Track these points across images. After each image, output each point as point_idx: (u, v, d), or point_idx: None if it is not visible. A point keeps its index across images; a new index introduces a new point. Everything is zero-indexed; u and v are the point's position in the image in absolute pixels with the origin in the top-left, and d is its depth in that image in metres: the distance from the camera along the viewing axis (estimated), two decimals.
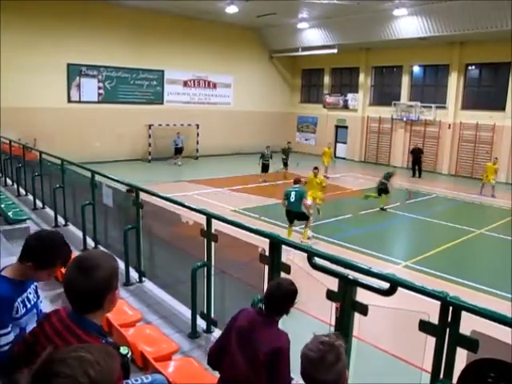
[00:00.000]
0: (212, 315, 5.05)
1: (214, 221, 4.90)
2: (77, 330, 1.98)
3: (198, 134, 26.27)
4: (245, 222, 4.97)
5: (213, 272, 5.01)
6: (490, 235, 13.16)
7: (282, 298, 2.95)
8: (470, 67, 23.99)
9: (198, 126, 26.23)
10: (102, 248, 7.60)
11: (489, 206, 17.51)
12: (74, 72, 22.41)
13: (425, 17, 20.79)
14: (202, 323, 5.12)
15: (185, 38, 25.38)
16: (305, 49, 27.37)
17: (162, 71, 25.48)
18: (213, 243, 4.92)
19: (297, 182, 11.96)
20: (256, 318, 2.96)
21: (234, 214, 13.46)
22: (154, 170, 22.16)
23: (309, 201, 12.18)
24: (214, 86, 27.98)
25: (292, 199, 11.49)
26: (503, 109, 22.27)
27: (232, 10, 21.21)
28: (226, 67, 27.95)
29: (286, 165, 21.30)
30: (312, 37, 26.42)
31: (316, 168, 13.77)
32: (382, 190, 15.67)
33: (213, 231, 4.90)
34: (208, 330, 5.06)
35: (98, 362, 1.38)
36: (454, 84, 23.89)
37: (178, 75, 26.20)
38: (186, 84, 26.71)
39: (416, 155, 23.66)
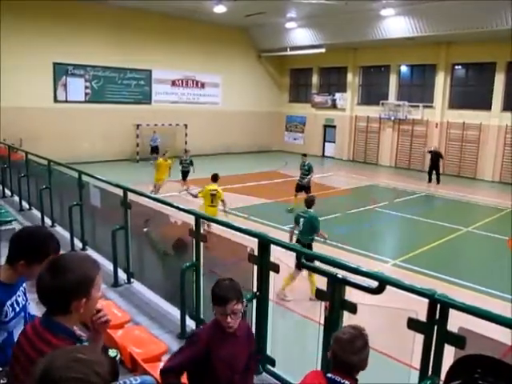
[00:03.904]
0: (201, 315, 5.04)
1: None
2: (46, 335, 1.92)
3: (186, 134, 26.19)
4: (234, 222, 4.97)
5: (202, 272, 5.00)
6: (477, 233, 13.28)
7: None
8: (456, 67, 24.23)
9: (186, 125, 26.14)
10: (89, 249, 7.55)
11: (477, 204, 17.66)
12: (61, 71, 22.21)
13: (412, 17, 20.92)
14: (191, 323, 5.10)
15: (173, 37, 25.25)
16: (293, 48, 27.40)
17: (150, 71, 25.35)
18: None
19: (309, 203, 8.91)
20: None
21: (223, 214, 13.42)
22: (142, 170, 22.02)
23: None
24: (203, 85, 27.91)
25: (301, 227, 8.77)
26: (489, 108, 22.53)
27: (220, 9, 21.14)
28: (215, 67, 27.88)
29: (184, 176, 17.01)
30: (300, 36, 26.46)
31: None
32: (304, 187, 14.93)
33: (201, 231, 4.90)
34: None
35: (99, 360, 1.41)
36: (441, 83, 24.08)
37: (166, 75, 26.09)
38: (174, 83, 26.61)
39: (434, 159, 21.56)
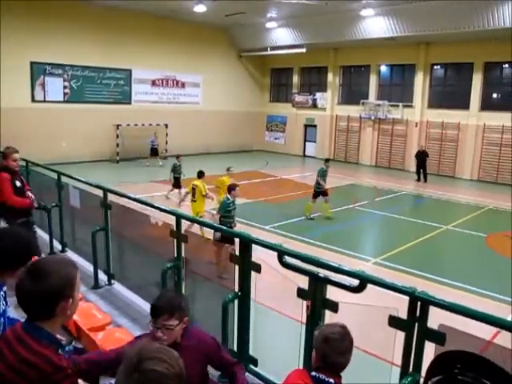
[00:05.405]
0: None
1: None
2: (27, 340, 1.89)
3: (166, 134, 26.02)
4: (214, 223, 4.94)
5: (183, 272, 4.97)
6: (457, 231, 13.46)
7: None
8: (435, 67, 24.55)
9: (166, 125, 25.97)
10: (69, 251, 7.46)
11: (456, 202, 17.92)
12: (38, 71, 21.87)
13: (391, 17, 21.11)
14: None
15: (153, 36, 25.06)
16: (274, 48, 27.44)
17: (130, 70, 25.13)
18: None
19: (228, 188, 9.29)
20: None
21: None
22: (122, 171, 21.86)
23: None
24: (183, 85, 27.77)
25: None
26: (467, 107, 22.87)
27: (200, 9, 21.07)
28: (195, 66, 27.76)
29: (177, 183, 15.86)
30: (281, 36, 26.52)
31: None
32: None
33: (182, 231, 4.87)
34: None
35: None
36: (420, 83, 24.37)
37: (146, 74, 25.88)
38: (154, 83, 26.41)
39: (421, 158, 22.01)
